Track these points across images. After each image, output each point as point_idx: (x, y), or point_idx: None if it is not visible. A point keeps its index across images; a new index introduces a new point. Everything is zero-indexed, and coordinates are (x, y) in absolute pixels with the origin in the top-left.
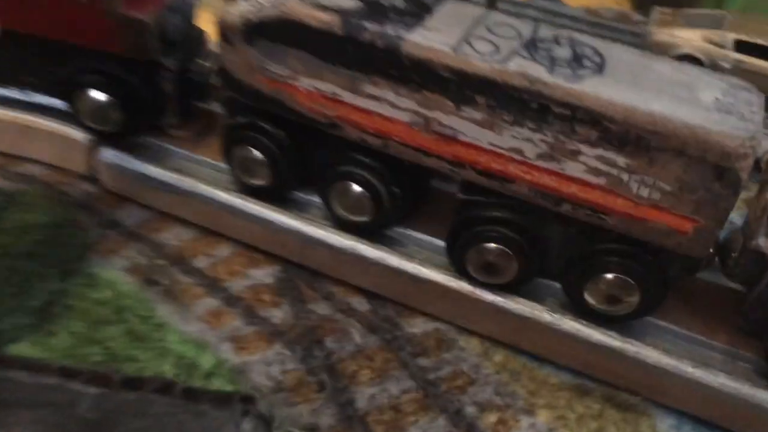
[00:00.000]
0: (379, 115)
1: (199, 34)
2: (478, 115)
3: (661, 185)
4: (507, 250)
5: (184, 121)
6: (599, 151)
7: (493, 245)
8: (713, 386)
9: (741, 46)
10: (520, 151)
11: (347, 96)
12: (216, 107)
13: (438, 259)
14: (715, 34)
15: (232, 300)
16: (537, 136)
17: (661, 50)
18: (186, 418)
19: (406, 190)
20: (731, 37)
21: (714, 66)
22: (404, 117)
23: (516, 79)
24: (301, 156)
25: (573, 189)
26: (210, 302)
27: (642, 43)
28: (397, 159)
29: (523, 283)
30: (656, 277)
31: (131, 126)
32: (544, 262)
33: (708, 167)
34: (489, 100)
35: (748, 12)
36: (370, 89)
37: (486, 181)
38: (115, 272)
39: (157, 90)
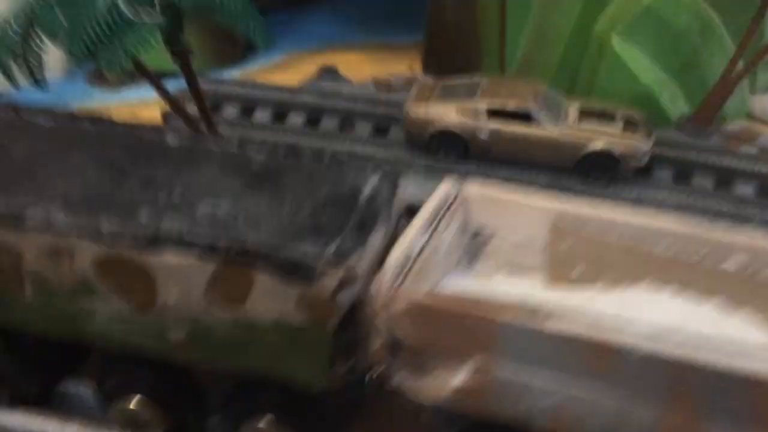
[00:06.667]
0: None
1: None
2: None
3: None
4: None
5: None
6: None
7: None
8: None
9: (493, 114)
10: None
11: None
12: None
13: None
14: (468, 106)
15: None
16: None
17: (421, 126)
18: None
19: None
20: (483, 106)
21: (473, 138)
22: None
23: None
24: None
25: None
26: None
27: (404, 118)
28: None
29: None
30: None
31: None
32: None
33: None
34: None
35: (504, 76)
36: None
37: None
38: None
39: None
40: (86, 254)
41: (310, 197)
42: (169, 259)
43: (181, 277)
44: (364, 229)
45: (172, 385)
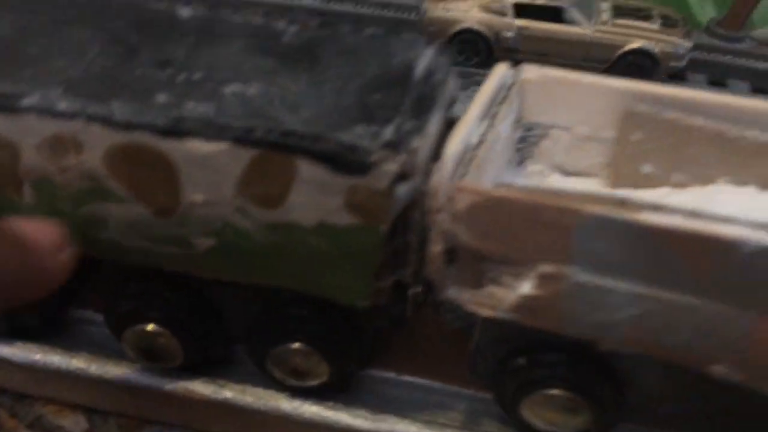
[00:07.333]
0: None
1: None
2: None
3: None
4: None
5: None
6: None
7: None
8: None
9: (521, 10)
10: None
11: None
12: None
13: None
14: (492, 1)
15: None
16: None
17: (440, 27)
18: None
19: None
20: (509, 1)
21: (498, 38)
22: None
23: None
24: None
25: None
26: None
27: (421, 19)
28: None
29: None
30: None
31: None
32: None
33: None
34: None
35: None
36: None
37: None
38: None
39: None
40: (97, 145)
41: (355, 75)
42: (196, 147)
43: (209, 169)
44: (421, 111)
45: (193, 311)
